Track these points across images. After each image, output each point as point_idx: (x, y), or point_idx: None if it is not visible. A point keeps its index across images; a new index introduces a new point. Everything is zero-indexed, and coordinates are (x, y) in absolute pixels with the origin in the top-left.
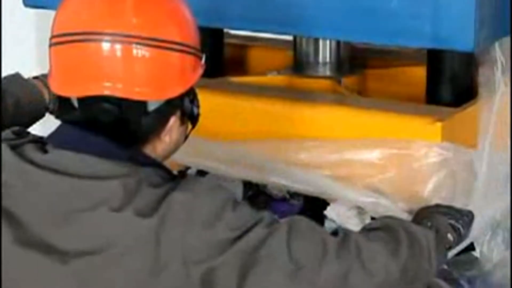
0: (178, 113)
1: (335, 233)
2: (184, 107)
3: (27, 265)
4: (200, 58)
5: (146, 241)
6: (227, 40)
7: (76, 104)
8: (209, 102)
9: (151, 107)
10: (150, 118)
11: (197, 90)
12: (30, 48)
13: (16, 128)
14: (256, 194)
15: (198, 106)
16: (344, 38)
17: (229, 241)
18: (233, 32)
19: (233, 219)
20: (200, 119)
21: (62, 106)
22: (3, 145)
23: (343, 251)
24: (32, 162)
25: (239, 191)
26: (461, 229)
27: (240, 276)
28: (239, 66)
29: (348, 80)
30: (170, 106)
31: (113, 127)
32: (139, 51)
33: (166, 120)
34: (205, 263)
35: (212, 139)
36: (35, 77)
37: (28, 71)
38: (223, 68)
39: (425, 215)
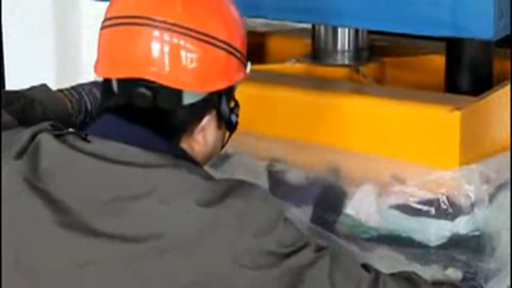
0: (214, 113)
1: (365, 267)
2: (221, 110)
3: (68, 246)
4: (245, 65)
5: (194, 235)
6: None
7: (116, 89)
8: None
9: (187, 101)
10: (184, 111)
11: None
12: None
13: (51, 122)
14: (277, 183)
15: (237, 115)
16: (363, 26)
17: (279, 256)
18: (250, 20)
19: (284, 235)
20: None
21: (104, 94)
22: (46, 134)
23: None
24: (76, 149)
25: (264, 178)
26: None
27: None
28: (257, 54)
29: (367, 69)
30: (205, 104)
31: (149, 116)
32: (187, 43)
33: (200, 118)
34: (252, 270)
35: None
36: (60, 90)
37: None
38: None
39: None
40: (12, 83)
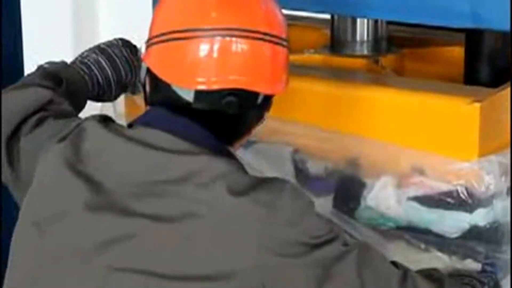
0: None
1: (395, 264)
2: (267, 110)
3: (96, 226)
4: None
5: (223, 222)
6: None
7: (190, 96)
8: None
9: (259, 102)
10: (256, 111)
11: None
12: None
13: (100, 113)
14: (295, 173)
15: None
16: (383, 17)
17: (308, 247)
18: None
19: (313, 226)
20: None
21: (160, 92)
22: (91, 120)
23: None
24: (118, 134)
25: (289, 165)
26: None
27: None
28: None
29: (385, 60)
30: (268, 101)
31: (214, 119)
32: (262, 46)
33: (257, 122)
34: (280, 257)
35: None
36: (70, 64)
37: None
38: None
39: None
40: (29, 55)
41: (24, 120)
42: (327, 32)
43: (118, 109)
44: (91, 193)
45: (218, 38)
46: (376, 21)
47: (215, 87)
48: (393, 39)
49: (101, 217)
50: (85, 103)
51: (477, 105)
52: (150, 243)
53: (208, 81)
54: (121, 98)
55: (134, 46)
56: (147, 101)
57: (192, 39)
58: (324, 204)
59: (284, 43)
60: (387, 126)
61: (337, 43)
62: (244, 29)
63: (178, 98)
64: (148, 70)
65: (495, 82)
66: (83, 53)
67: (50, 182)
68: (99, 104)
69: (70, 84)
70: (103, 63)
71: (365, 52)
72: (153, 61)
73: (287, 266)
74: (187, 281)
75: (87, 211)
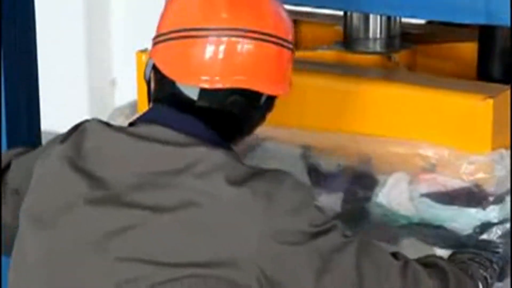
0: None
1: (394, 255)
2: (269, 111)
3: (97, 220)
4: None
5: (221, 211)
6: None
7: (194, 94)
8: None
9: (262, 102)
10: (259, 111)
11: None
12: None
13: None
14: (309, 170)
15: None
16: (396, 13)
17: (307, 235)
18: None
19: (315, 215)
20: None
21: (164, 90)
22: (91, 120)
23: (403, 278)
24: (120, 131)
25: (299, 165)
26: (489, 279)
27: (316, 278)
28: None
29: (398, 56)
30: (271, 102)
31: (219, 118)
32: (267, 48)
33: (258, 122)
34: (280, 244)
35: None
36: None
37: None
38: None
39: (463, 262)
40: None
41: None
42: (340, 28)
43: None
44: (92, 188)
45: (225, 38)
46: (389, 18)
47: (219, 86)
48: (406, 35)
49: (103, 209)
50: None
51: (490, 101)
52: (153, 233)
53: (212, 79)
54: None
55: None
56: (150, 98)
57: (199, 38)
58: (336, 200)
59: (289, 45)
60: (399, 123)
61: (350, 40)
62: (251, 30)
63: (182, 95)
64: (154, 67)
65: (508, 78)
66: None
67: (52, 180)
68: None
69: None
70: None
71: (378, 48)
72: (160, 58)
73: (287, 254)
74: (190, 267)
75: (89, 204)
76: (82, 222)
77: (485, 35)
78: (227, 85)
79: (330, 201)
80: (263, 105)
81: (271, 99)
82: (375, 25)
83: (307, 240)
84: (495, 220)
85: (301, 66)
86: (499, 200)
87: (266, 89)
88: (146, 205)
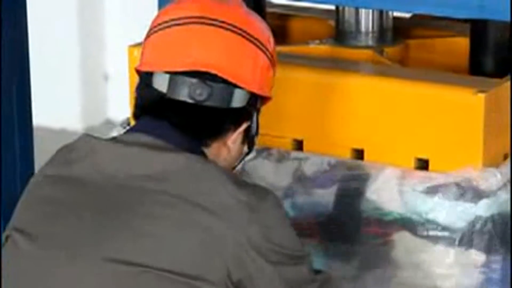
0: (246, 125)
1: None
2: (252, 123)
3: (90, 223)
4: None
5: (206, 212)
6: (268, 10)
7: (164, 86)
8: None
9: (234, 104)
10: (229, 113)
11: None
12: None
13: None
14: (301, 165)
15: (257, 134)
16: (388, 7)
17: (280, 255)
18: (275, 1)
19: (289, 237)
20: None
21: (144, 92)
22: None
23: None
24: (105, 140)
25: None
26: None
27: None
28: (281, 35)
29: (390, 50)
30: (246, 112)
31: (190, 115)
32: (247, 44)
33: (240, 124)
34: (253, 255)
35: None
36: None
37: None
38: None
39: None
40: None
41: None
42: (332, 23)
43: None
44: (77, 193)
45: (199, 25)
46: (381, 12)
47: (188, 68)
48: (398, 29)
49: (88, 213)
50: None
51: (482, 95)
52: (135, 234)
53: (183, 62)
54: None
55: None
56: (135, 116)
57: (172, 27)
58: (327, 195)
59: (267, 51)
60: (391, 117)
61: (342, 34)
62: (226, 22)
63: (155, 93)
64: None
65: (500, 72)
66: None
67: (36, 192)
68: None
69: None
70: None
71: (370, 43)
72: (140, 60)
73: (256, 266)
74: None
75: (75, 210)
76: (70, 226)
77: (477, 29)
78: (198, 67)
79: (323, 196)
80: (237, 108)
81: (250, 105)
82: (367, 19)
83: (277, 262)
84: (487, 215)
85: (293, 60)
86: (490, 194)
87: (234, 78)
88: (131, 208)
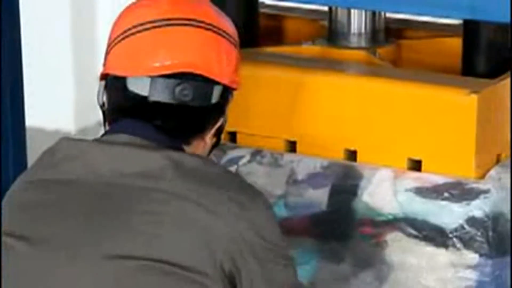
0: (222, 120)
1: None
2: (224, 118)
3: (82, 221)
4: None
5: (199, 209)
6: (261, 10)
7: (146, 90)
8: (243, 72)
9: (214, 100)
10: (210, 109)
11: None
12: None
13: None
14: (294, 166)
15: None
16: (380, 8)
17: (268, 252)
18: (267, 2)
19: (278, 236)
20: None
21: (117, 96)
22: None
23: None
24: (87, 141)
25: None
26: None
27: None
28: (273, 36)
29: (383, 51)
30: (221, 106)
31: (175, 113)
32: (220, 40)
33: (217, 119)
34: (244, 250)
35: (247, 108)
36: None
37: None
38: (257, 38)
39: None
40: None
41: None
42: (325, 23)
43: None
44: (70, 194)
45: (170, 27)
46: (373, 13)
47: (169, 71)
48: (390, 30)
49: (85, 213)
50: None
51: (475, 96)
52: (134, 231)
53: (163, 65)
54: None
55: None
56: (107, 121)
57: (143, 32)
58: (321, 196)
59: (237, 45)
60: (383, 118)
61: (334, 35)
62: (196, 20)
63: (135, 96)
64: (105, 87)
65: (493, 73)
66: None
67: (20, 197)
68: None
69: None
70: None
71: (363, 43)
72: (110, 65)
73: (246, 261)
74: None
75: (69, 210)
76: (69, 229)
77: (470, 29)
78: (177, 69)
79: (317, 196)
80: (215, 103)
81: (224, 97)
82: (360, 20)
83: (269, 261)
84: (480, 216)
85: (285, 61)
86: (483, 196)
87: (214, 74)
88: (121, 205)
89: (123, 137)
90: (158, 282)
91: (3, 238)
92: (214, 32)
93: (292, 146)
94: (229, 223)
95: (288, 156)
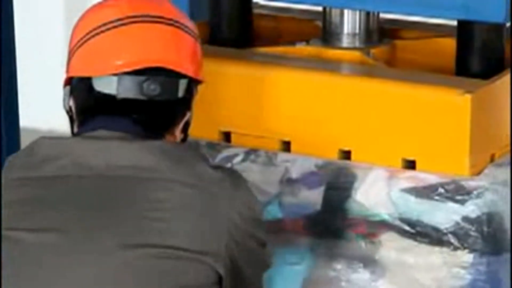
0: (189, 113)
1: None
2: (190, 113)
3: (81, 215)
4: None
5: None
6: (255, 11)
7: (113, 88)
8: (237, 72)
9: (180, 93)
10: (178, 103)
11: (226, 61)
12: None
13: None
14: (288, 166)
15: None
16: (374, 8)
17: (263, 235)
18: (262, 2)
19: (262, 217)
20: (229, 88)
21: (85, 95)
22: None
23: None
24: (68, 138)
25: (276, 161)
26: None
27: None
28: (268, 36)
29: (377, 51)
30: (188, 100)
31: (146, 108)
32: (182, 34)
33: (185, 113)
34: (238, 233)
35: (241, 108)
36: None
37: None
38: (252, 39)
39: None
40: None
41: None
42: (319, 24)
43: None
44: (63, 189)
45: (130, 25)
46: (367, 13)
47: (134, 67)
48: (384, 30)
49: (84, 207)
50: None
51: (468, 96)
52: (142, 220)
53: (127, 63)
54: None
55: None
56: (76, 123)
57: (106, 31)
58: (315, 196)
59: (198, 39)
60: (378, 118)
61: (329, 35)
62: (157, 16)
63: (103, 96)
64: (70, 91)
65: (487, 73)
66: None
67: (5, 197)
68: None
69: None
70: None
71: (357, 44)
72: (74, 68)
73: (244, 240)
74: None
75: (66, 204)
76: (59, 221)
77: (464, 30)
78: (144, 65)
79: (311, 196)
80: (182, 97)
81: (190, 90)
82: (354, 20)
83: (259, 239)
84: (474, 215)
85: (279, 61)
86: (477, 195)
87: (176, 68)
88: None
89: (102, 132)
90: (173, 266)
91: (7, 233)
92: (176, 27)
93: (286, 146)
94: (228, 204)
95: (283, 156)
